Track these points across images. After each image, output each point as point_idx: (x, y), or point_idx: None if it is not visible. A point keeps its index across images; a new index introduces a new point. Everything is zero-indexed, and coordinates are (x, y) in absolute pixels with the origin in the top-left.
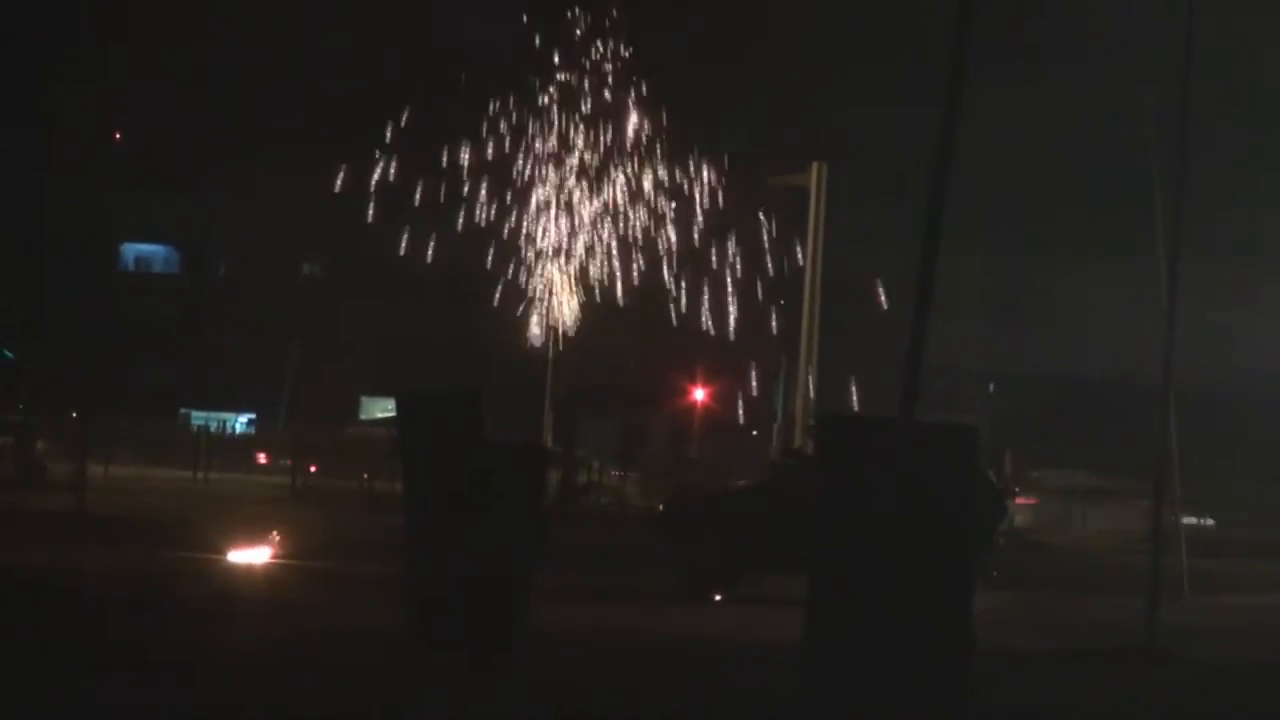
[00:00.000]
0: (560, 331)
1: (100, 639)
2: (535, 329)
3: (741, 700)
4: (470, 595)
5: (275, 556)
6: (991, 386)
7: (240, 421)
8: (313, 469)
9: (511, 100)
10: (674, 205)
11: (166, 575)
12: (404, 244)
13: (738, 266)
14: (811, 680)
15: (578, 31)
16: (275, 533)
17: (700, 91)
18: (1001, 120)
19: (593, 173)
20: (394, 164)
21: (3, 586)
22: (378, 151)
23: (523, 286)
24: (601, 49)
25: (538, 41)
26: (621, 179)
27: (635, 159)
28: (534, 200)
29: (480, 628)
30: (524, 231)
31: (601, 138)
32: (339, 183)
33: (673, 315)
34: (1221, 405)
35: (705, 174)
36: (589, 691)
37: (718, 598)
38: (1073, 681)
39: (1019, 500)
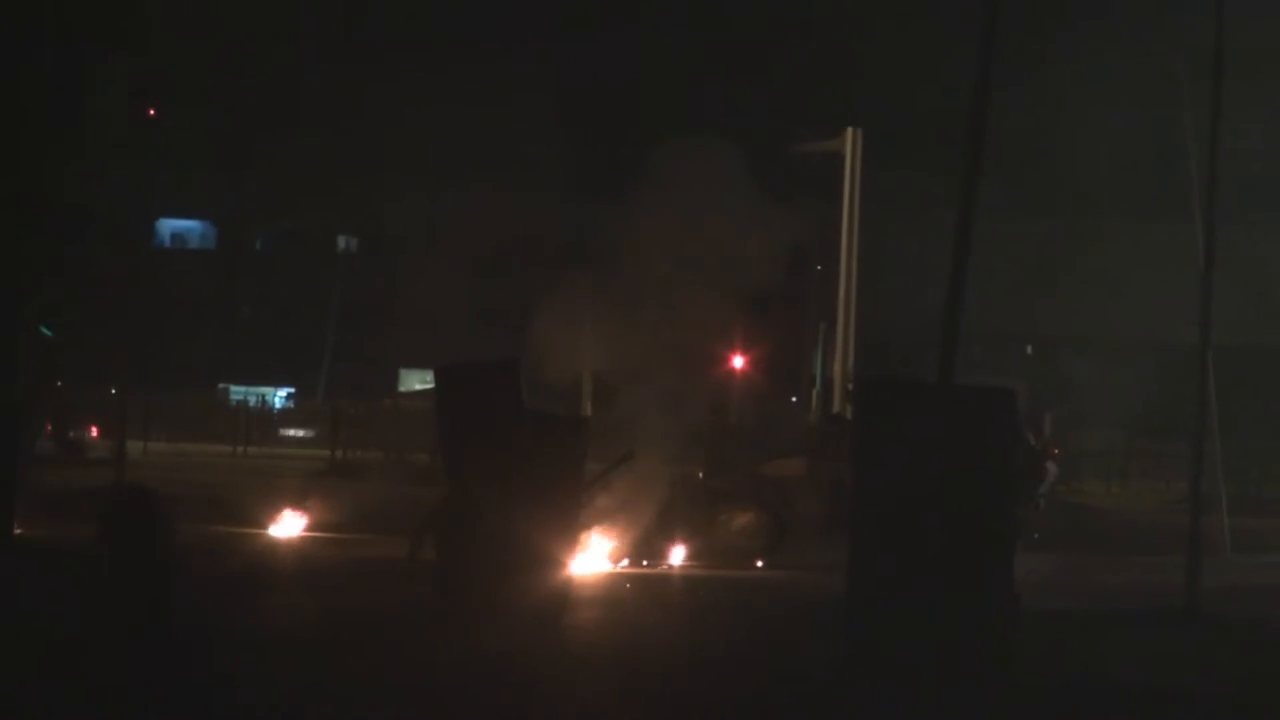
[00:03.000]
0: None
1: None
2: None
3: (784, 663)
4: (508, 565)
5: (312, 530)
6: (1029, 349)
7: (279, 396)
8: (351, 442)
9: None
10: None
11: (203, 550)
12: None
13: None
14: (855, 643)
15: None
16: (311, 506)
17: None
18: (1040, 84)
19: None
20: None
21: (41, 562)
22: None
23: None
24: None
25: None
26: None
27: None
28: None
29: (521, 597)
30: None
31: None
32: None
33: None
34: (1263, 362)
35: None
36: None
37: (759, 564)
38: (1115, 642)
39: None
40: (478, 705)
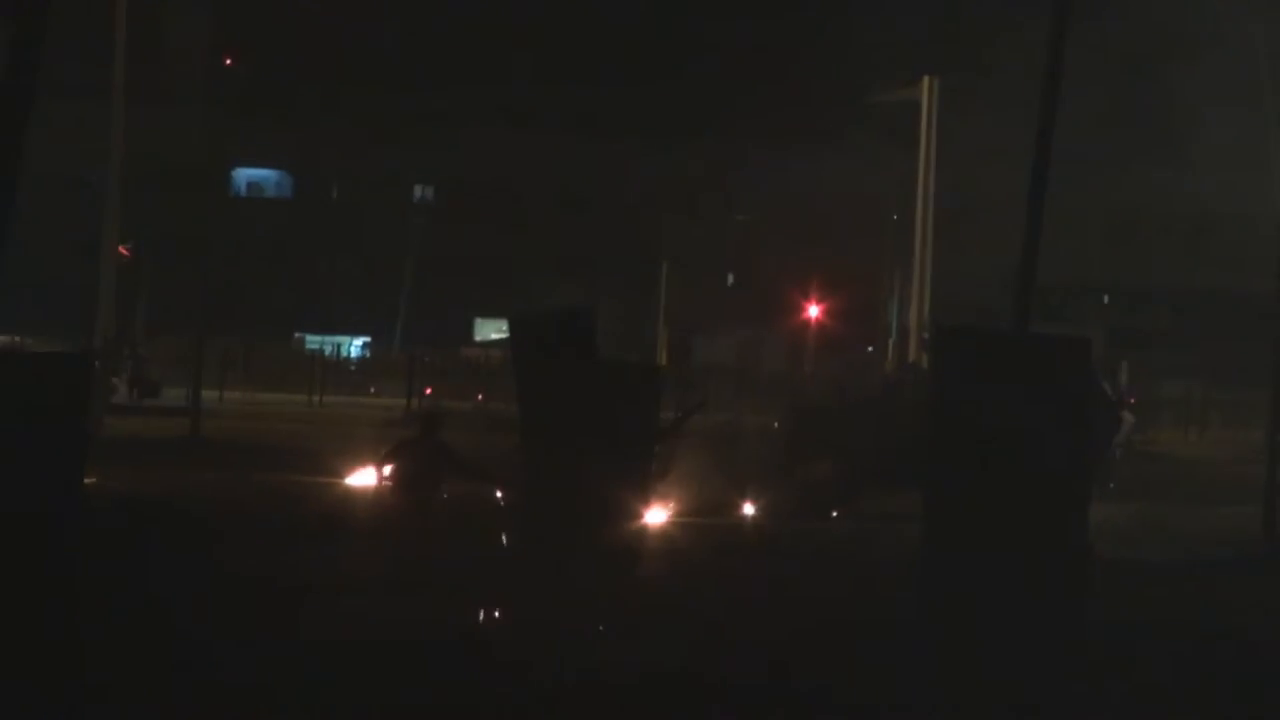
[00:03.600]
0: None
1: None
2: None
3: (862, 613)
4: (584, 514)
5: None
6: (1106, 298)
7: (355, 345)
8: (428, 391)
9: None
10: None
11: (281, 499)
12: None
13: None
14: (930, 593)
15: None
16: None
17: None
18: (1115, 25)
19: None
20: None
21: (121, 511)
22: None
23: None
24: None
25: None
26: None
27: None
28: None
29: (596, 546)
30: None
31: None
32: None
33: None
34: None
35: None
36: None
37: (834, 514)
38: (1193, 591)
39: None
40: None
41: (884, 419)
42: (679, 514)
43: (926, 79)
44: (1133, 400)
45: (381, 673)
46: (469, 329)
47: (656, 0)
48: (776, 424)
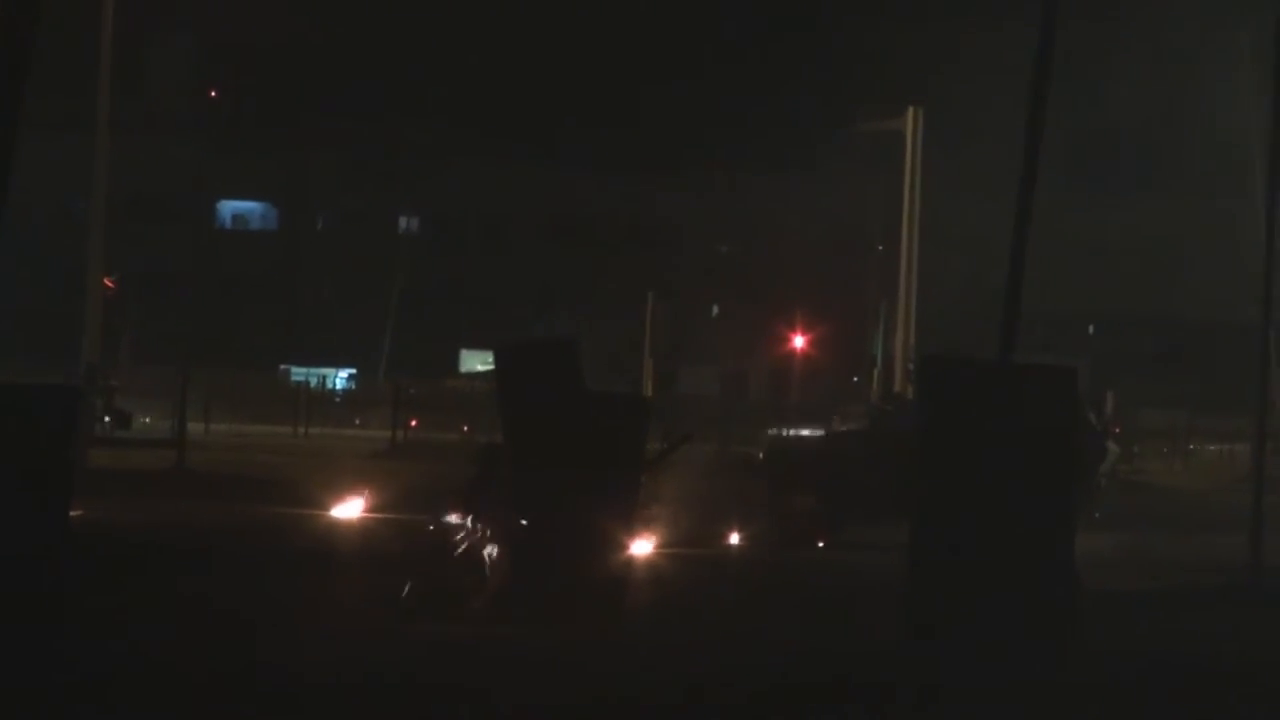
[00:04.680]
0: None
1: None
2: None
3: (847, 643)
4: (571, 546)
5: (372, 511)
6: (1091, 328)
7: (340, 376)
8: (413, 423)
9: None
10: None
11: (262, 530)
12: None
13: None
14: (916, 622)
15: None
16: (371, 488)
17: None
18: (1098, 62)
19: None
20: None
21: (105, 545)
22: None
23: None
24: None
25: None
26: None
27: None
28: None
29: (582, 579)
30: None
31: None
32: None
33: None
34: None
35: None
36: (689, 634)
37: (820, 545)
38: (1176, 621)
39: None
40: (533, 689)
41: (869, 449)
42: (665, 545)
43: (911, 109)
44: (1117, 430)
45: None
46: (454, 360)
47: (641, 32)
48: (761, 454)
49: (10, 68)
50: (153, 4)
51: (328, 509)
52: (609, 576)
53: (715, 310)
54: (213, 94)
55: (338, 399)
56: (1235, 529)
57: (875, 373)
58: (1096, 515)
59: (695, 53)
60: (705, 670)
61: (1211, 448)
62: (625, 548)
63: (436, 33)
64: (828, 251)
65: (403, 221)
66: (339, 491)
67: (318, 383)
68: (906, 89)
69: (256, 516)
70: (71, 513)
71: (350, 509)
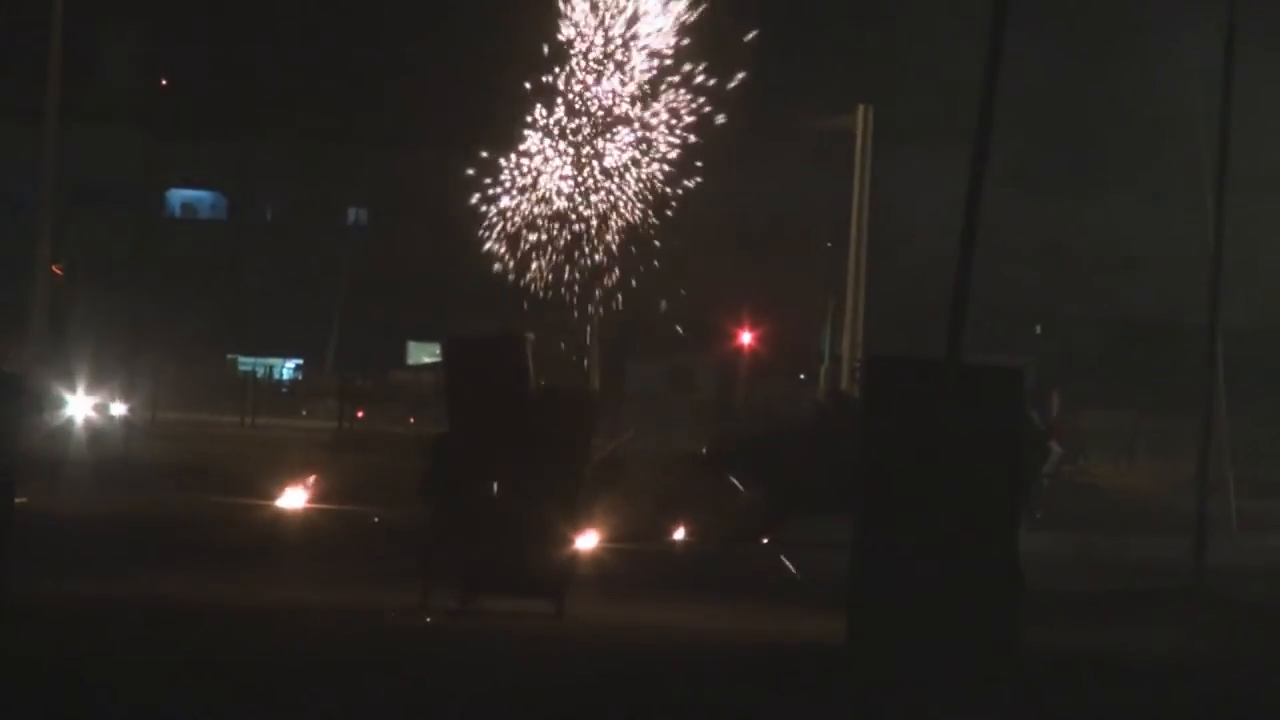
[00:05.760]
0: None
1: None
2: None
3: (788, 641)
4: (514, 540)
5: (315, 501)
6: (1038, 328)
7: (288, 367)
8: (360, 414)
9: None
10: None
11: (205, 520)
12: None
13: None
14: (858, 622)
15: None
16: (316, 478)
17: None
18: (1043, 58)
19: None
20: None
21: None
22: None
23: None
24: None
25: None
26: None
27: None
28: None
29: (526, 573)
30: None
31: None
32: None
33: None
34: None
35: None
36: (631, 633)
37: (764, 541)
38: (1120, 622)
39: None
40: (478, 682)
41: (813, 444)
42: (609, 539)
43: (861, 107)
44: (1062, 429)
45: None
46: (402, 352)
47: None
48: (705, 449)
49: None
50: None
51: (272, 499)
52: (553, 570)
53: (663, 306)
54: (164, 82)
55: (285, 389)
56: (1179, 530)
57: (823, 370)
58: (1039, 515)
59: None
60: (643, 667)
61: (1158, 449)
62: (570, 542)
63: (388, 23)
64: (779, 248)
65: (351, 213)
66: (283, 481)
67: (265, 373)
68: (860, 85)
69: (199, 505)
70: (16, 500)
71: (294, 499)
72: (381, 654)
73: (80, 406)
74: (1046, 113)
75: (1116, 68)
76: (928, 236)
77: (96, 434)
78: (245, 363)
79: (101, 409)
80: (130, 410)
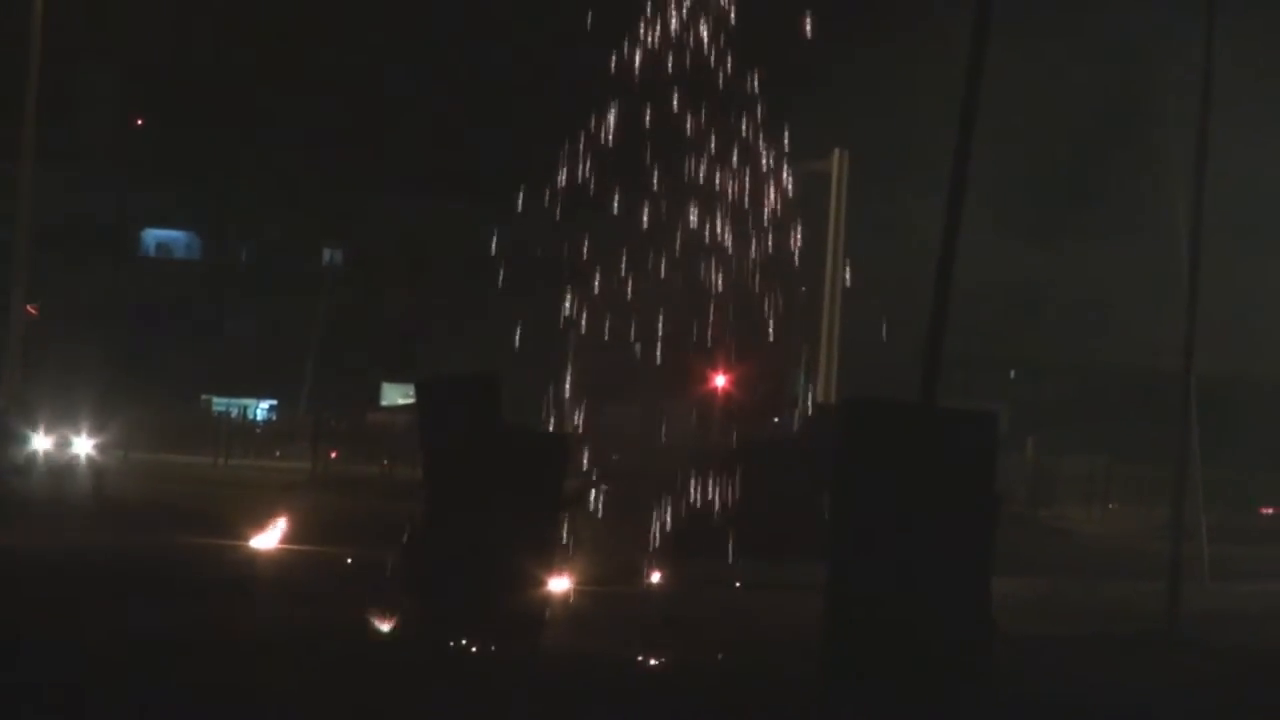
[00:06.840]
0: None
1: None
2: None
3: (763, 681)
4: (488, 582)
5: (288, 542)
6: (1012, 374)
7: (261, 408)
8: (334, 455)
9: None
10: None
11: (175, 561)
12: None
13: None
14: (832, 664)
15: None
16: (289, 519)
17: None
18: (1015, 104)
19: None
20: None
21: (23, 571)
22: None
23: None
24: None
25: None
26: None
27: None
28: None
29: (499, 616)
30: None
31: None
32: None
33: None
34: (1247, 389)
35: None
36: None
37: (737, 585)
38: (1093, 667)
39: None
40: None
41: (782, 473)
42: (583, 582)
43: (836, 151)
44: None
45: None
46: (376, 393)
47: (562, 70)
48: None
49: None
50: (78, 32)
51: (243, 539)
52: (526, 612)
53: (638, 349)
54: (139, 122)
55: (258, 430)
56: (1153, 576)
57: (797, 414)
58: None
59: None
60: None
61: (1131, 495)
62: (543, 584)
63: (364, 65)
64: (754, 292)
65: (326, 254)
66: (255, 523)
67: (239, 413)
68: (835, 129)
69: (170, 546)
70: None
71: (267, 540)
72: (354, 685)
73: (40, 443)
74: (1020, 159)
75: (1092, 117)
76: (905, 281)
77: (56, 470)
78: (220, 403)
79: (61, 445)
80: (98, 449)
